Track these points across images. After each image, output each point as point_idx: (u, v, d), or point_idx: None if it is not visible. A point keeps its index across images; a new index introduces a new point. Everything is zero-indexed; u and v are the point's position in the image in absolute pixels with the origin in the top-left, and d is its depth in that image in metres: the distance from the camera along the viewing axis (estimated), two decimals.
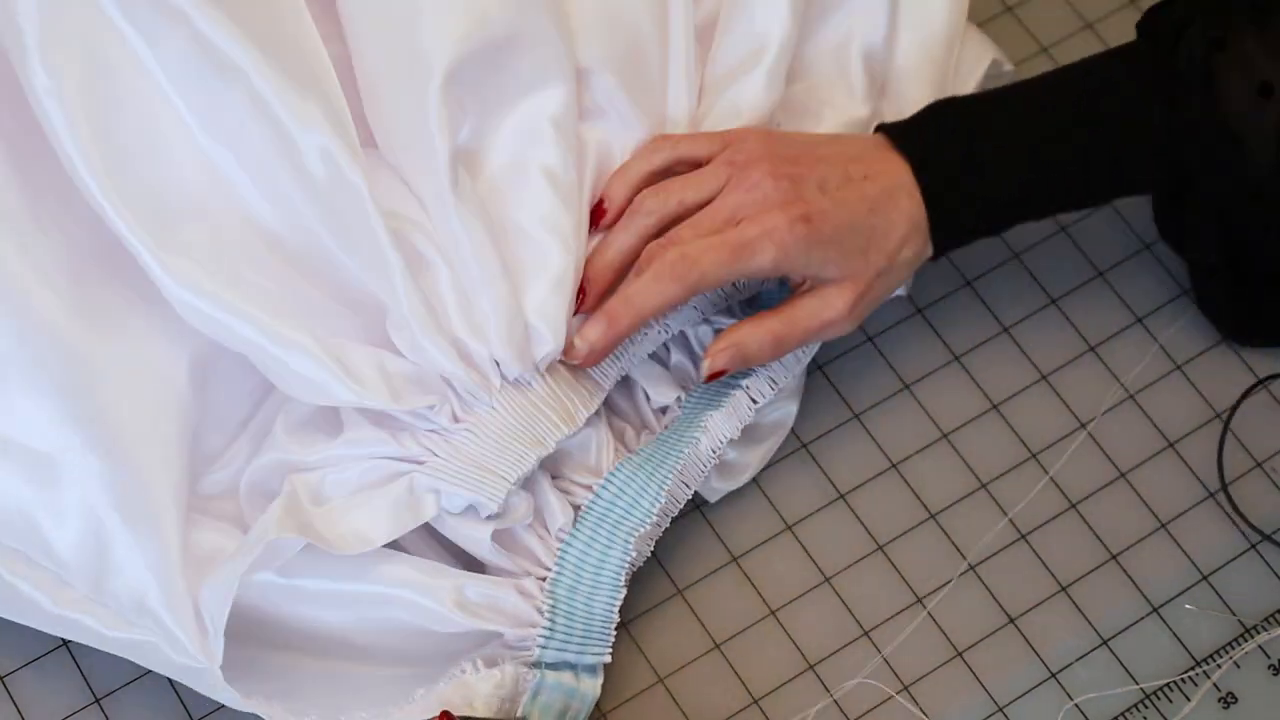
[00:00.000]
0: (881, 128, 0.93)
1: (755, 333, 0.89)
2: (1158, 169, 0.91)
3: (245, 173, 0.86)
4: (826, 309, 0.89)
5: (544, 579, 0.87)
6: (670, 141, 0.91)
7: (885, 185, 0.89)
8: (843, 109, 0.95)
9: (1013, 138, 0.91)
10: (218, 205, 0.86)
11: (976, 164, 0.90)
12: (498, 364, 0.86)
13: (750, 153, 0.89)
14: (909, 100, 0.97)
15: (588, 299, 0.88)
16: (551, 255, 0.88)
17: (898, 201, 0.89)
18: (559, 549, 0.88)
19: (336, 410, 0.87)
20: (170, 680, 0.89)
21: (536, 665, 0.86)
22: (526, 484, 0.88)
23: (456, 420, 0.86)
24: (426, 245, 0.86)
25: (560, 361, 0.88)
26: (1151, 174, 0.92)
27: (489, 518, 0.86)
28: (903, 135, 0.91)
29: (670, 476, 0.89)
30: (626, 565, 0.88)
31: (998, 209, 0.92)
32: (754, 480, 0.94)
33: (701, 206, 0.89)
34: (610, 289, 0.89)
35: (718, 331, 0.93)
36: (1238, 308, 0.95)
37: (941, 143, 0.91)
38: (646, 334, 0.90)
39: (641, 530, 0.88)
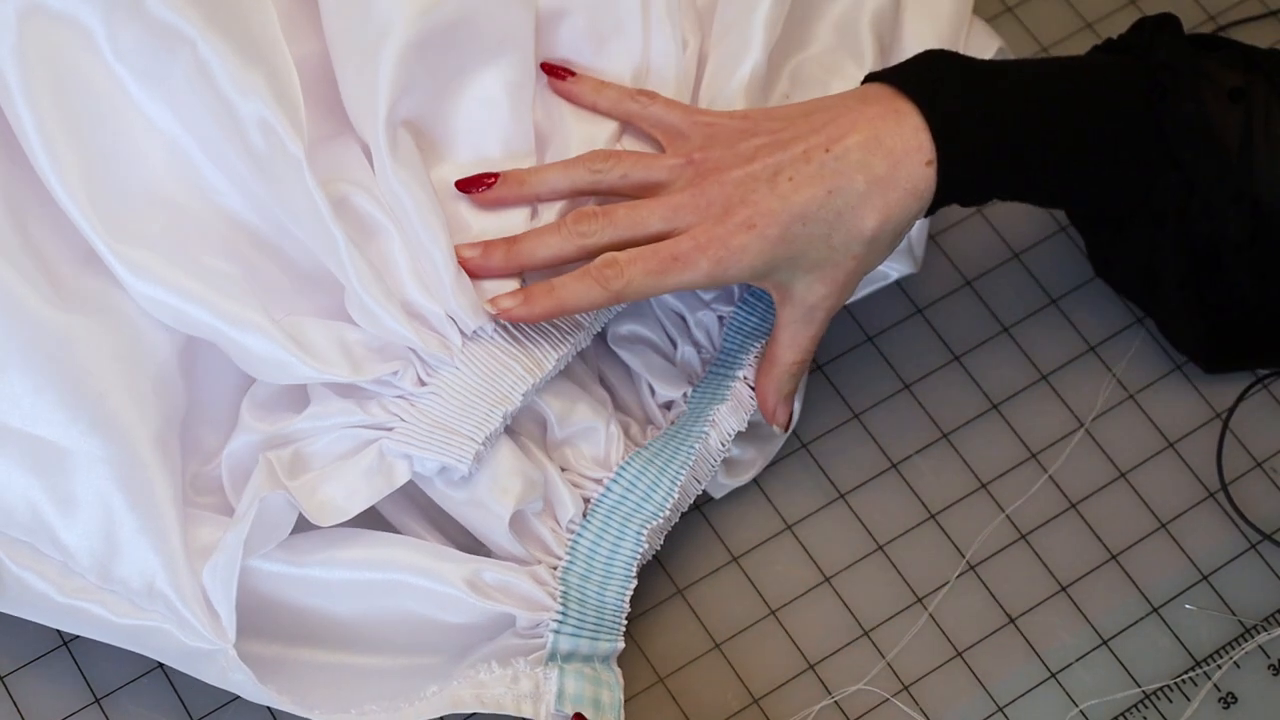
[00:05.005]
0: (874, 76, 0.89)
1: (783, 379, 0.90)
2: (1139, 165, 0.88)
3: (202, 152, 0.87)
4: (813, 310, 0.88)
5: (556, 567, 0.87)
6: (644, 99, 0.90)
7: (852, 152, 0.85)
8: (852, 78, 0.94)
9: (1018, 102, 0.87)
10: (181, 191, 0.87)
11: (984, 113, 0.87)
12: (455, 322, 0.86)
13: (709, 155, 0.87)
14: None
15: (480, 272, 0.87)
16: (507, 210, 0.88)
17: (868, 166, 0.85)
18: (570, 540, 0.88)
19: (303, 386, 0.87)
20: (170, 680, 0.89)
21: (551, 659, 0.86)
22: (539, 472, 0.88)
23: (422, 383, 0.86)
24: (376, 209, 0.87)
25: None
26: (1133, 171, 0.88)
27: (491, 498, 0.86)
28: (906, 80, 0.87)
29: (684, 472, 0.89)
30: (638, 557, 0.88)
31: (995, 178, 0.88)
32: (754, 480, 0.94)
33: (640, 189, 0.88)
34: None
35: (720, 318, 0.93)
36: (1205, 338, 0.94)
37: (947, 94, 0.87)
38: None
39: (653, 524, 0.88)
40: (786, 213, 0.85)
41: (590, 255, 0.87)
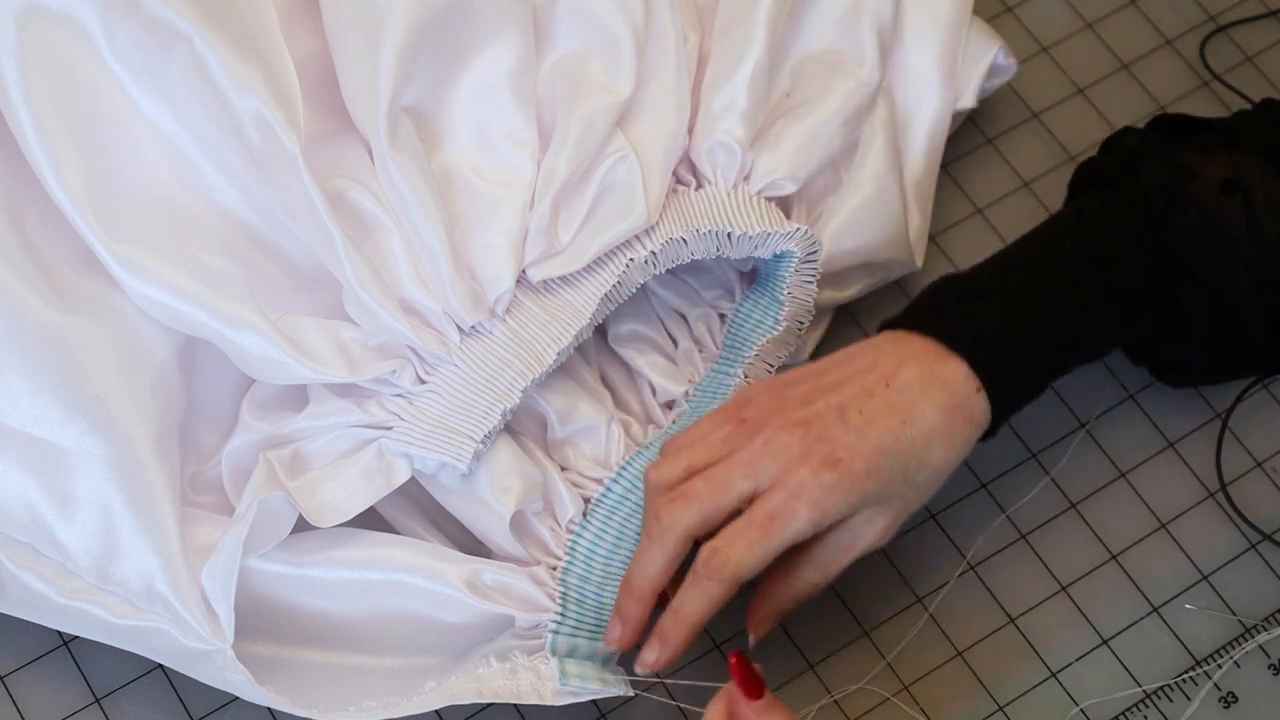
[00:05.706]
0: (888, 323, 0.88)
1: (789, 592, 0.86)
2: (1160, 291, 0.88)
3: (200, 149, 0.87)
4: (859, 540, 0.85)
5: (555, 568, 0.87)
6: (685, 457, 0.85)
7: (913, 385, 0.84)
8: (852, 76, 0.94)
9: (1026, 302, 0.87)
10: (180, 189, 0.87)
11: (1005, 330, 0.86)
12: (453, 320, 0.86)
13: (759, 409, 0.84)
14: (918, 78, 0.97)
15: (631, 626, 0.84)
16: (505, 199, 0.87)
17: (931, 396, 0.84)
18: (569, 540, 0.88)
19: (303, 386, 0.87)
20: (170, 680, 0.89)
21: (552, 654, 0.86)
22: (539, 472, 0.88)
23: (421, 382, 0.86)
24: (375, 204, 0.86)
25: (530, 291, 0.88)
26: (1156, 298, 0.88)
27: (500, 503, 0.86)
28: (921, 320, 0.86)
29: None
30: None
31: (1039, 369, 0.88)
32: None
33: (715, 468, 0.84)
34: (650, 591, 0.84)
35: (721, 316, 0.93)
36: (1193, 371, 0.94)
37: (965, 317, 0.86)
38: (630, 266, 0.88)
39: None
40: (867, 445, 0.82)
41: (690, 541, 0.83)
